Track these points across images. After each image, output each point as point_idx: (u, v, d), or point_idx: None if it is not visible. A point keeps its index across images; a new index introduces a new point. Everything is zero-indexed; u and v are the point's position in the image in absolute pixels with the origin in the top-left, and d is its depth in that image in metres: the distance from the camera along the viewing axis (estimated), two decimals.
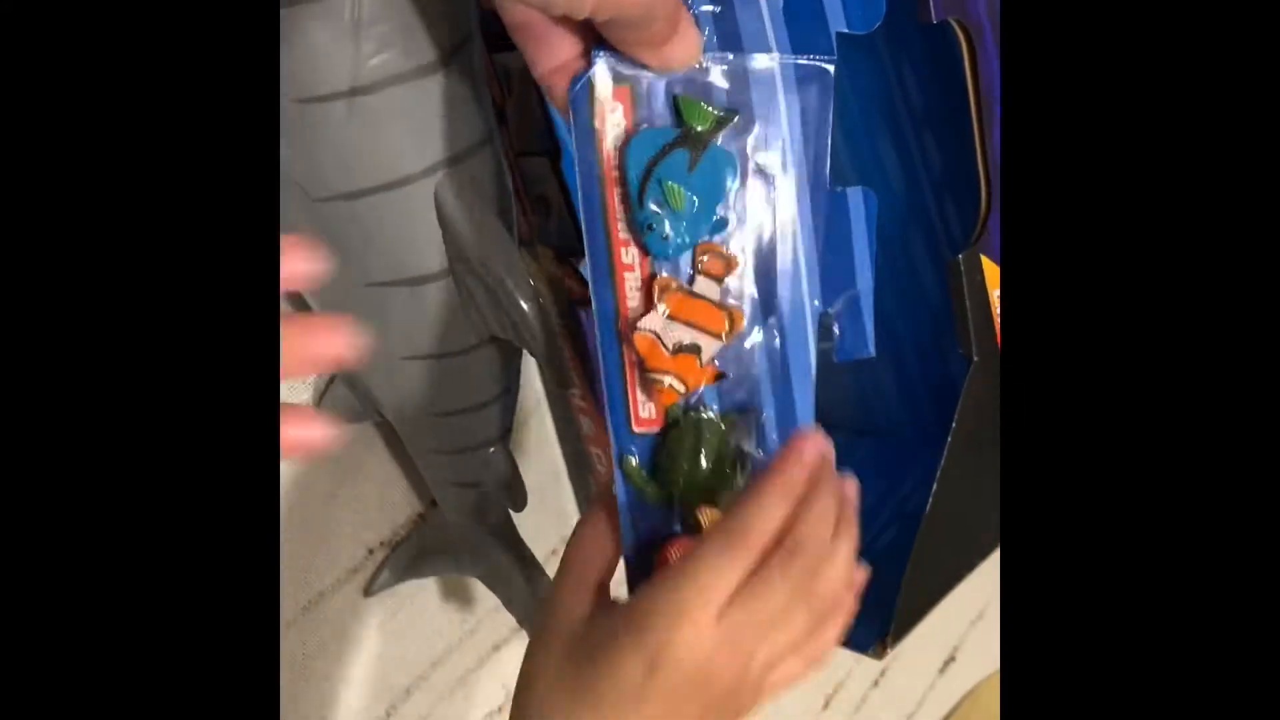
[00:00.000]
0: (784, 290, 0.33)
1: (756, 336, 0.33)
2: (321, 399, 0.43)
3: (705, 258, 0.32)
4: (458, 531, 0.45)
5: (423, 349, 0.37)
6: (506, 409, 0.41)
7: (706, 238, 0.32)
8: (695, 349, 0.32)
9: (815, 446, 0.32)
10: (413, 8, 0.30)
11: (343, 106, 0.30)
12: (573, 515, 0.54)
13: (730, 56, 0.30)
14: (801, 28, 0.30)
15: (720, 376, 0.33)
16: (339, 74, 0.29)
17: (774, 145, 0.31)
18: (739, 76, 0.30)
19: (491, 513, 0.44)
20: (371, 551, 0.47)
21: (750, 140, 0.31)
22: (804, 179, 0.32)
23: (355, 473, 0.45)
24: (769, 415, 0.34)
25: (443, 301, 0.35)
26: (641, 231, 0.32)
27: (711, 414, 0.34)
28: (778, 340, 0.33)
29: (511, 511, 0.44)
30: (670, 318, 0.32)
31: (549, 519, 0.52)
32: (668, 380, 0.32)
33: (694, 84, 0.30)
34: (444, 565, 0.47)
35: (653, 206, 0.31)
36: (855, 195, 0.34)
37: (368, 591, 0.47)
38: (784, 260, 0.32)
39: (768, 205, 0.32)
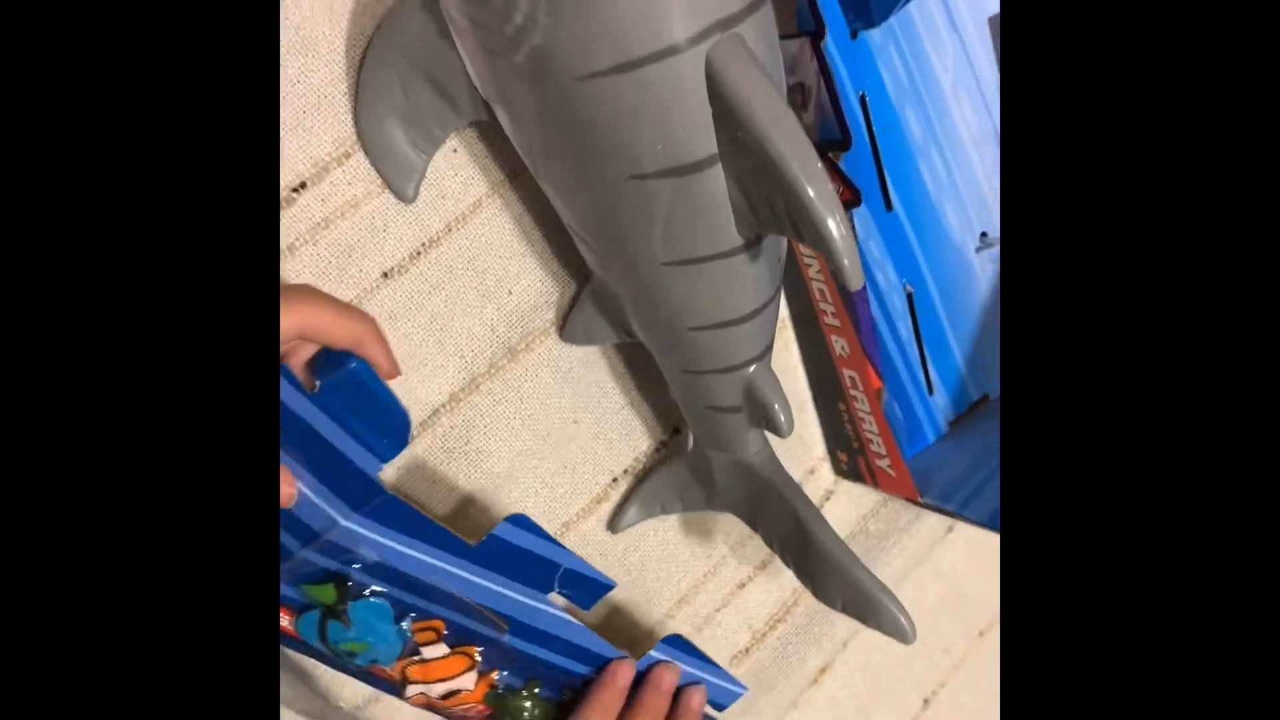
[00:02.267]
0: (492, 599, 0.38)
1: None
2: (565, 322, 0.40)
3: (416, 636, 0.38)
4: (712, 461, 0.41)
5: (685, 252, 0.33)
6: (768, 322, 0.37)
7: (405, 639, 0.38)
8: (457, 690, 0.39)
9: (627, 671, 0.39)
10: None
11: None
12: (816, 443, 0.49)
13: None
14: None
15: (493, 683, 0.40)
16: None
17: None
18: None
19: (752, 440, 0.40)
20: (615, 480, 0.44)
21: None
22: None
23: (599, 399, 0.43)
24: (559, 663, 0.41)
25: (710, 195, 0.31)
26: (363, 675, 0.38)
27: (515, 688, 0.41)
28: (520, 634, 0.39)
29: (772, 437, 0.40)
30: (424, 682, 0.39)
31: (790, 447, 0.48)
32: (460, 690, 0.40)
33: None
34: (695, 500, 0.44)
35: (357, 662, 0.37)
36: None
37: (613, 527, 0.44)
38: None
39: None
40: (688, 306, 0.35)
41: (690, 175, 0.30)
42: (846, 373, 0.45)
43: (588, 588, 0.39)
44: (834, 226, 0.27)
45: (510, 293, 0.39)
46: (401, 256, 0.36)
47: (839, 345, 0.44)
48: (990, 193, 0.48)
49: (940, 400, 0.48)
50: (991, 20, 0.46)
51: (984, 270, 0.48)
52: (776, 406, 0.37)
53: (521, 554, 0.38)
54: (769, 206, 0.30)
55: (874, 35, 0.42)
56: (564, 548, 0.38)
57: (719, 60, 0.28)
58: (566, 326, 0.41)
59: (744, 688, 0.45)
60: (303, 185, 0.33)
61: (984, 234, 0.48)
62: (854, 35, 0.42)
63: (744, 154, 0.29)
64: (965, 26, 0.45)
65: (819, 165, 0.27)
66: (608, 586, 0.39)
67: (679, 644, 0.43)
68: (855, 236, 0.28)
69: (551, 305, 0.40)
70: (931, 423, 0.48)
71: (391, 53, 0.34)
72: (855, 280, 0.28)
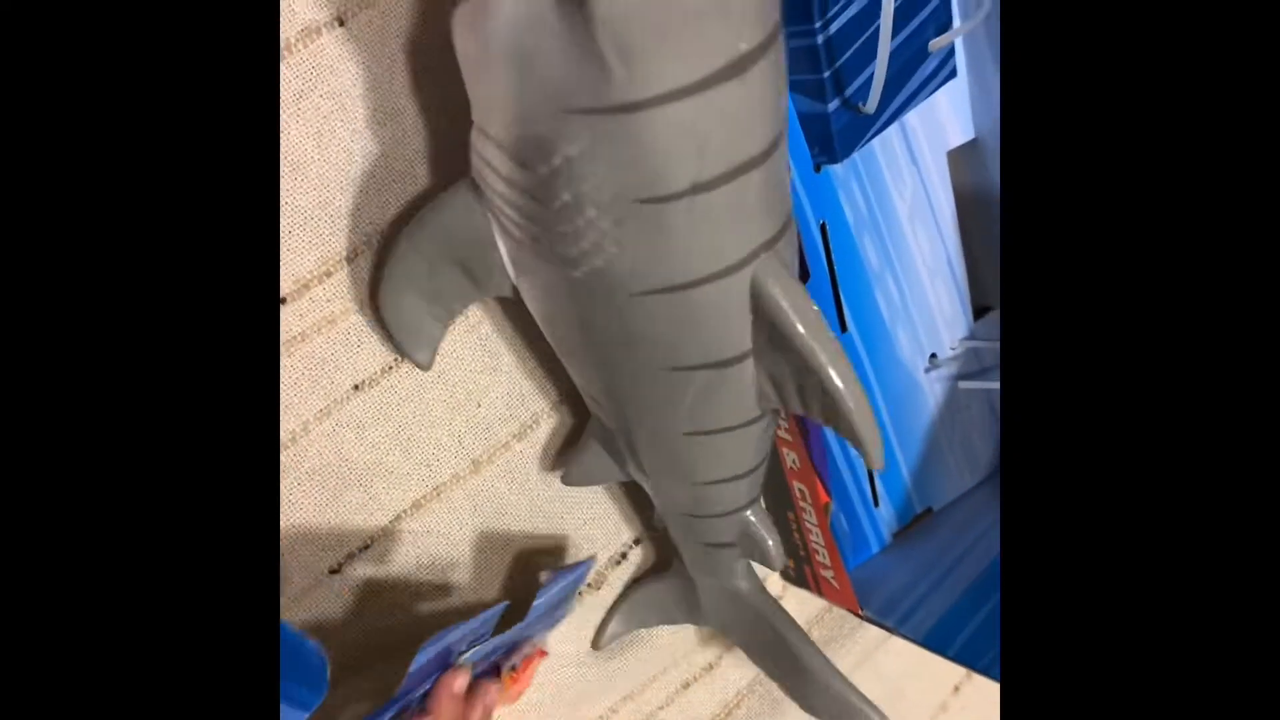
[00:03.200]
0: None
1: None
2: (567, 467, 0.42)
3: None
4: (699, 586, 0.44)
5: (707, 425, 0.36)
6: (762, 473, 0.40)
7: None
8: None
9: (461, 678, 0.38)
10: (757, 99, 0.28)
11: (684, 205, 0.28)
12: None
13: None
14: None
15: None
16: (684, 173, 0.28)
17: None
18: None
19: (741, 570, 0.42)
20: (579, 593, 0.45)
21: None
22: None
23: (560, 511, 0.44)
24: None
25: (739, 381, 0.34)
26: None
27: None
28: None
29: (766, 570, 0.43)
30: None
31: None
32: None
33: None
34: (677, 617, 0.46)
35: None
36: None
37: (595, 643, 0.46)
38: None
39: None
40: (700, 466, 0.37)
41: (725, 368, 0.33)
42: (796, 485, 0.46)
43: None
44: (866, 428, 0.31)
45: (479, 405, 0.40)
46: (374, 370, 0.37)
47: (790, 458, 0.46)
48: (940, 318, 0.50)
49: (885, 513, 0.50)
50: (950, 154, 0.49)
51: (932, 390, 0.50)
52: (771, 544, 0.39)
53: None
54: (799, 396, 0.33)
55: (836, 168, 0.45)
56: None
57: (762, 276, 0.31)
58: (569, 471, 0.42)
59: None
60: (283, 300, 0.35)
61: (933, 355, 0.50)
62: (817, 168, 0.44)
63: (781, 353, 0.32)
64: (924, 159, 0.48)
65: (852, 370, 0.31)
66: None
67: None
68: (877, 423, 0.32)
69: (517, 418, 0.41)
70: (876, 534, 0.50)
71: (427, 239, 0.35)
72: (879, 461, 0.31)
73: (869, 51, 0.41)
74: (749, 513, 0.40)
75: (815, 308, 0.31)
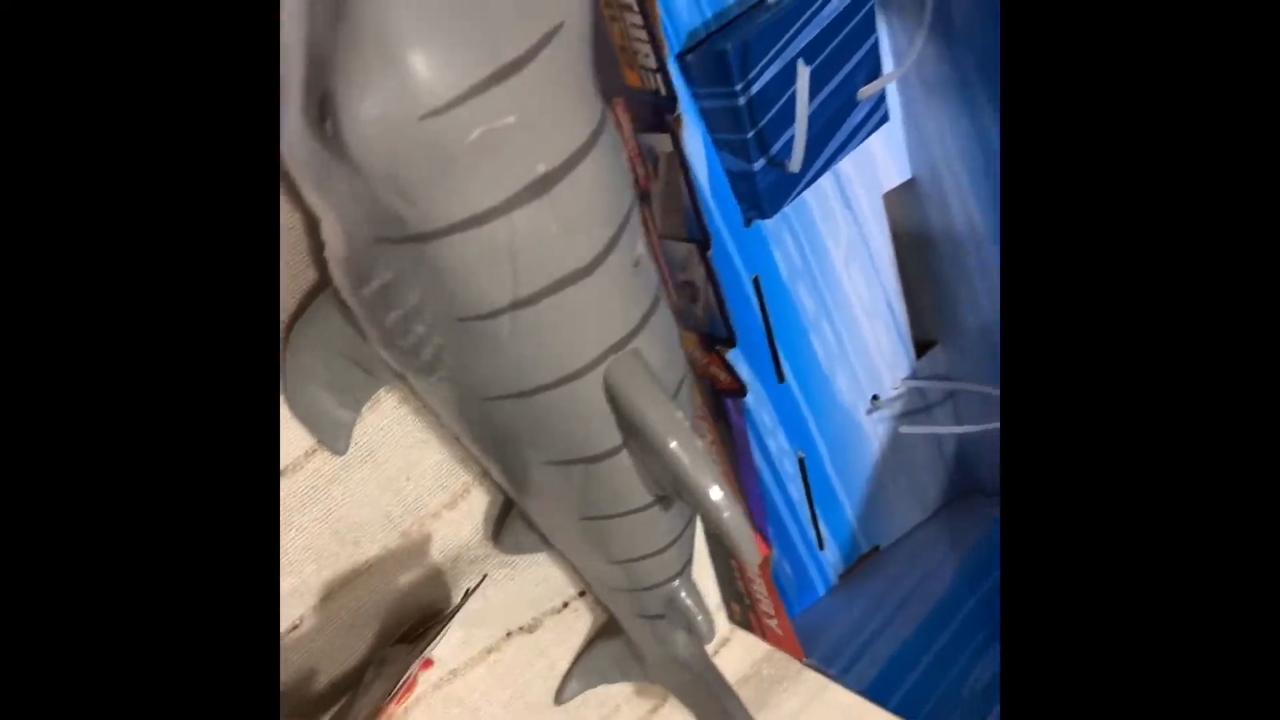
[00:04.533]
0: None
1: None
2: (499, 532, 0.42)
3: None
4: (643, 649, 0.45)
5: (602, 510, 0.36)
6: (686, 544, 0.40)
7: None
8: None
9: None
10: (570, 215, 0.28)
11: (506, 321, 0.29)
12: (711, 593, 0.51)
13: None
14: None
15: None
16: (500, 292, 0.28)
17: None
18: None
19: (679, 640, 0.42)
20: (509, 634, 0.45)
21: None
22: None
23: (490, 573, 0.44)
24: None
25: (619, 472, 0.34)
26: None
27: None
28: None
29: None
30: None
31: None
32: None
33: None
34: (634, 674, 0.47)
35: None
36: None
37: (558, 699, 0.46)
38: None
39: None
40: (609, 548, 0.37)
41: (598, 462, 0.33)
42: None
43: None
44: (732, 525, 0.31)
45: (408, 479, 0.40)
46: (297, 455, 0.37)
47: None
48: (880, 358, 0.50)
49: (831, 554, 0.50)
50: (886, 195, 0.48)
51: (875, 431, 0.50)
52: (699, 619, 0.39)
53: None
54: (674, 490, 0.33)
55: (767, 222, 0.44)
56: None
57: (614, 376, 0.31)
58: (500, 539, 0.43)
59: None
60: None
61: (875, 397, 0.50)
62: (748, 223, 0.44)
63: (645, 453, 0.32)
64: (859, 204, 0.48)
65: (714, 469, 0.31)
66: None
67: None
68: (748, 523, 0.32)
69: (446, 489, 0.41)
70: (822, 576, 0.50)
71: (311, 340, 0.35)
72: (752, 561, 0.32)
73: (791, 111, 0.41)
74: (676, 585, 0.40)
75: (672, 409, 0.31)
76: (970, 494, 0.55)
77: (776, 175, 0.41)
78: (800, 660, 0.47)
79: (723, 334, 0.40)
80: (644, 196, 0.41)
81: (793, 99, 0.40)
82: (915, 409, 0.51)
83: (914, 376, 0.51)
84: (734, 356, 0.42)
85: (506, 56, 0.25)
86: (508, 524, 0.41)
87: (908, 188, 0.49)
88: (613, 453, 0.33)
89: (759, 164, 0.41)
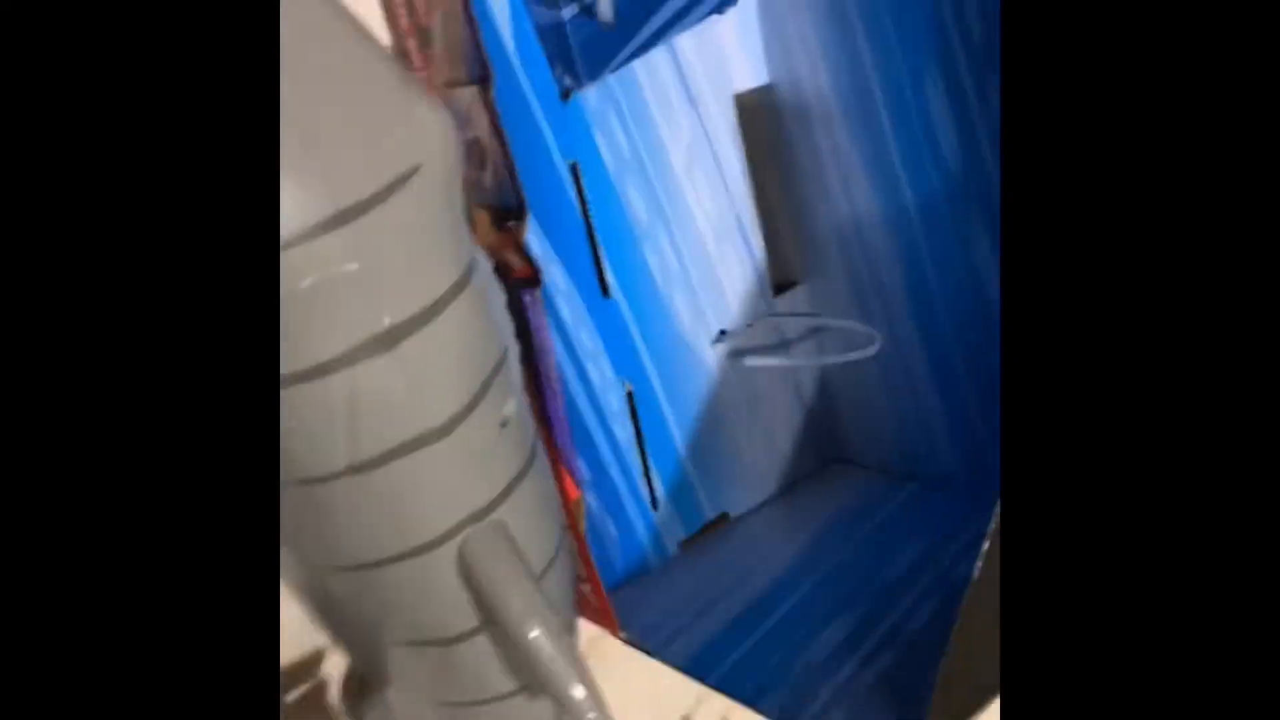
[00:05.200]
0: None
1: None
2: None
3: None
4: None
5: (461, 697, 0.32)
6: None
7: None
8: None
9: None
10: (422, 373, 0.26)
11: (346, 485, 0.27)
12: None
13: None
14: None
15: None
16: (339, 453, 0.26)
17: None
18: None
19: None
20: None
21: None
22: None
23: None
24: None
25: (482, 653, 0.30)
26: None
27: None
28: None
29: None
30: None
31: None
32: None
33: None
34: None
35: None
36: None
37: None
38: None
39: None
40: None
41: (456, 644, 0.30)
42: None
43: None
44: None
45: None
46: None
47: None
48: (730, 288, 0.43)
49: (666, 516, 0.42)
50: (738, 97, 0.42)
51: (722, 371, 0.43)
52: None
53: None
54: (532, 681, 0.31)
55: (589, 99, 0.38)
56: None
57: (471, 551, 0.28)
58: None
59: None
60: None
61: (722, 331, 0.43)
62: (564, 95, 0.37)
63: (504, 638, 0.29)
64: (705, 102, 0.41)
65: (578, 666, 0.28)
66: None
67: None
68: (602, 700, 0.28)
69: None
70: (655, 542, 0.42)
71: None
72: None
73: None
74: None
75: (535, 593, 0.28)
76: (839, 464, 0.48)
77: (592, 29, 0.34)
78: (616, 635, 0.39)
79: (512, 204, 0.33)
80: (426, 33, 0.34)
81: None
82: (771, 346, 0.44)
83: (772, 313, 0.44)
84: (530, 238, 0.34)
85: (348, 200, 0.23)
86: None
87: (764, 94, 0.43)
88: (471, 634, 0.30)
89: (569, 11, 0.34)
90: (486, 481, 0.29)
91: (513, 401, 0.29)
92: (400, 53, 0.35)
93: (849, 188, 0.42)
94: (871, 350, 0.41)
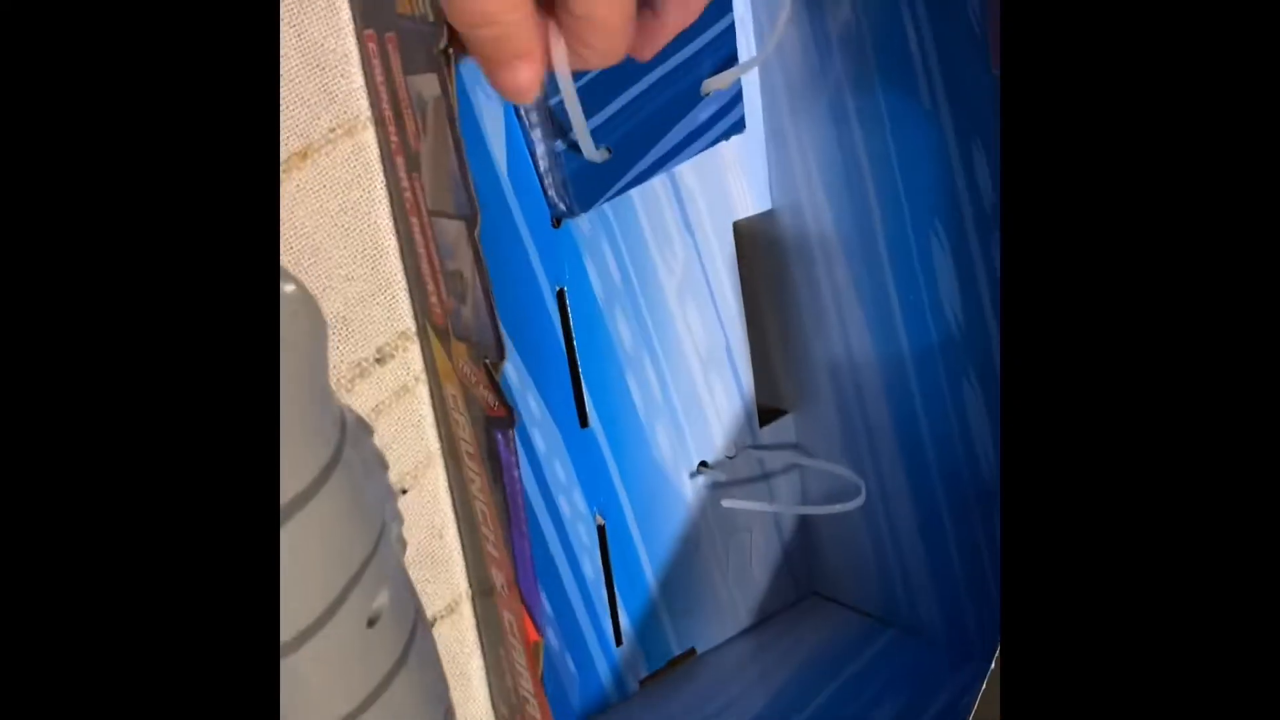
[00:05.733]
0: None
1: None
2: None
3: None
4: None
5: None
6: None
7: None
8: None
9: None
10: None
11: None
12: (479, 696, 0.41)
13: None
14: None
15: None
16: None
17: None
18: None
19: None
20: None
21: None
22: None
23: None
24: None
25: None
26: None
27: None
28: None
29: None
30: None
31: (455, 697, 0.39)
32: None
33: None
34: None
35: None
36: None
37: None
38: None
39: None
40: None
41: None
42: (506, 615, 0.37)
43: None
44: None
45: None
46: None
47: (498, 580, 0.36)
48: (715, 418, 0.42)
49: (629, 654, 0.41)
50: (738, 224, 0.41)
51: (698, 501, 0.42)
52: None
53: None
54: None
55: (582, 225, 0.36)
56: None
57: None
58: None
59: None
60: None
61: (703, 463, 0.41)
62: (556, 223, 0.35)
63: None
64: (703, 228, 0.40)
65: None
66: None
67: None
68: None
69: None
70: (616, 680, 0.40)
71: None
72: None
73: (609, 84, 0.33)
74: None
75: None
76: (815, 598, 0.46)
77: (585, 160, 0.33)
78: None
79: (490, 342, 0.31)
80: (414, 158, 0.32)
81: (616, 69, 0.33)
82: (753, 480, 0.43)
83: (756, 445, 0.43)
84: (507, 377, 0.33)
85: None
86: None
87: (765, 221, 0.42)
88: None
89: (563, 144, 0.33)
90: (350, 686, 0.26)
91: (384, 593, 0.27)
92: (389, 166, 0.34)
93: (845, 327, 0.41)
94: (855, 504, 0.39)
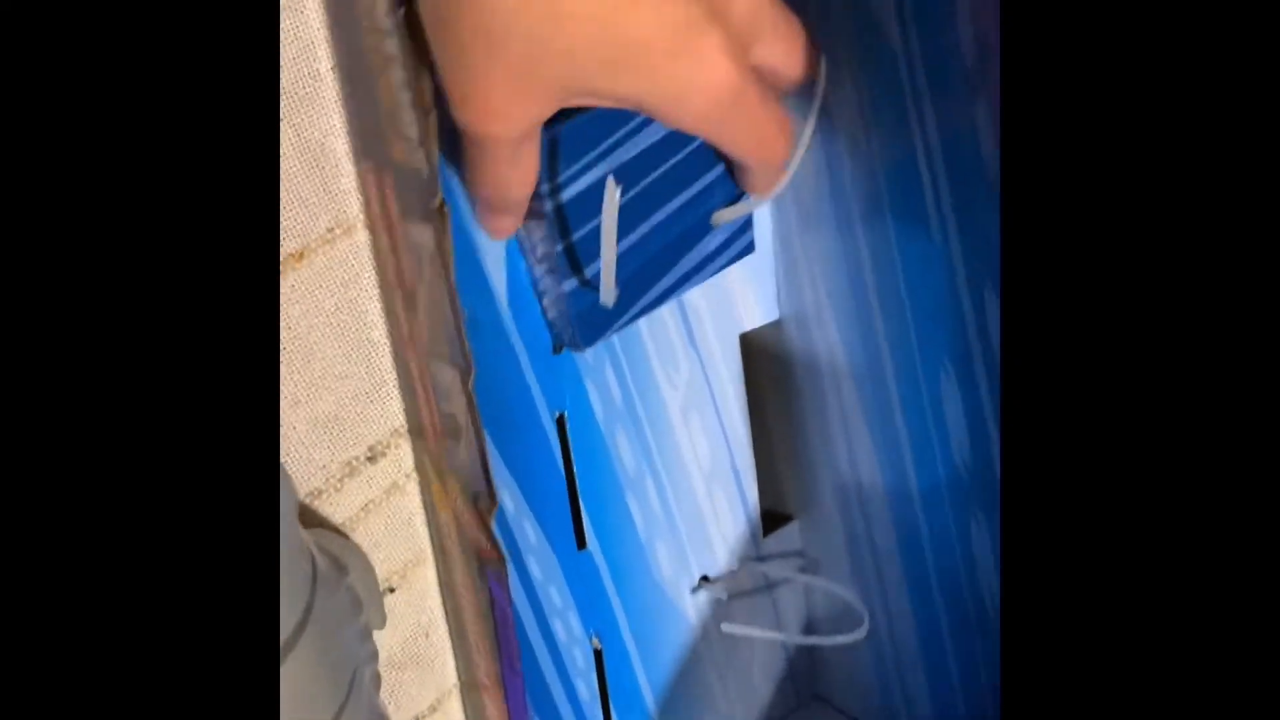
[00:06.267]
0: None
1: None
2: None
3: None
4: None
5: None
6: None
7: None
8: None
9: None
10: None
11: None
12: None
13: None
14: None
15: None
16: None
17: None
18: None
19: None
20: None
21: None
22: None
23: None
24: None
25: None
26: None
27: None
28: None
29: None
30: None
31: None
32: None
33: None
34: None
35: None
36: None
37: None
38: None
39: None
40: None
41: None
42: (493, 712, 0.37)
43: None
44: None
45: None
46: None
47: (489, 708, 0.36)
48: (718, 532, 0.41)
49: None
50: (745, 336, 0.40)
51: (699, 617, 0.41)
52: None
53: None
54: None
55: (585, 353, 0.36)
56: None
57: None
58: None
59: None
60: None
61: (704, 577, 0.41)
62: (557, 349, 0.35)
63: None
64: (707, 342, 0.39)
65: None
66: None
67: None
68: None
69: None
70: None
71: None
72: None
73: (621, 223, 0.32)
74: None
75: None
76: (815, 704, 0.46)
77: (594, 300, 0.33)
78: None
79: (482, 488, 0.31)
80: (409, 296, 0.32)
81: (623, 209, 0.32)
82: (756, 592, 0.42)
83: (759, 557, 0.42)
84: (502, 506, 0.32)
85: None
86: None
87: (773, 330, 0.41)
88: None
89: (570, 285, 0.33)
90: None
91: None
92: (385, 302, 0.33)
93: (852, 447, 0.40)
94: (859, 635, 0.38)
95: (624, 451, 0.38)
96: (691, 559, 0.40)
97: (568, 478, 0.36)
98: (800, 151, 0.32)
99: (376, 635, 0.33)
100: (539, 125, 0.28)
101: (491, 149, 0.27)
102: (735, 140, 0.30)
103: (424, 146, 0.28)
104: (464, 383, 0.30)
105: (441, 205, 0.29)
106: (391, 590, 0.36)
